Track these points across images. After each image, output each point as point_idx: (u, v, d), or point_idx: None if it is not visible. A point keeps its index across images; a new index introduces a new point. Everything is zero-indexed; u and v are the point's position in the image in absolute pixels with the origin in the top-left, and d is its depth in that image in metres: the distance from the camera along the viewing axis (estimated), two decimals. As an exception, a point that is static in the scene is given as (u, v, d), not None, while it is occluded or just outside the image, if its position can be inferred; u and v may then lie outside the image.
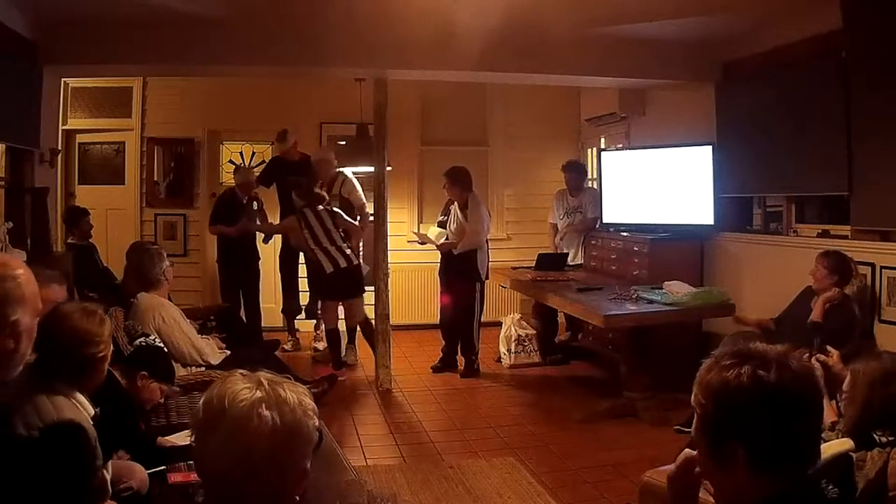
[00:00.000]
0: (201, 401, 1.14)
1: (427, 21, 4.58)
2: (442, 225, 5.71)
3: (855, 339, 3.75)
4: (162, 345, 3.09)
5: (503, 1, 4.32)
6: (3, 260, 1.58)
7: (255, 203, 6.16)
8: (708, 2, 4.48)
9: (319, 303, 6.01)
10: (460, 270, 5.56)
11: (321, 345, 6.15)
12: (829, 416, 2.68)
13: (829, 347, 3.08)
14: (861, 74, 4.15)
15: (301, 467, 1.13)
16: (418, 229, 6.83)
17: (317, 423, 1.15)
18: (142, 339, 3.01)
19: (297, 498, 1.16)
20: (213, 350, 3.81)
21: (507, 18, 4.61)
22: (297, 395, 1.14)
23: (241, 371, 1.16)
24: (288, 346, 6.17)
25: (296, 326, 6.38)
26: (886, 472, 1.97)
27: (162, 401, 2.86)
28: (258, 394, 1.10)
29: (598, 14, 4.69)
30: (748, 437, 1.11)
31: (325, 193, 5.51)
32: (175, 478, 2.47)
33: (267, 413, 1.08)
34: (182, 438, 2.73)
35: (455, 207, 5.60)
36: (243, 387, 1.11)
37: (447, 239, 5.60)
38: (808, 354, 3.18)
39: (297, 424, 1.11)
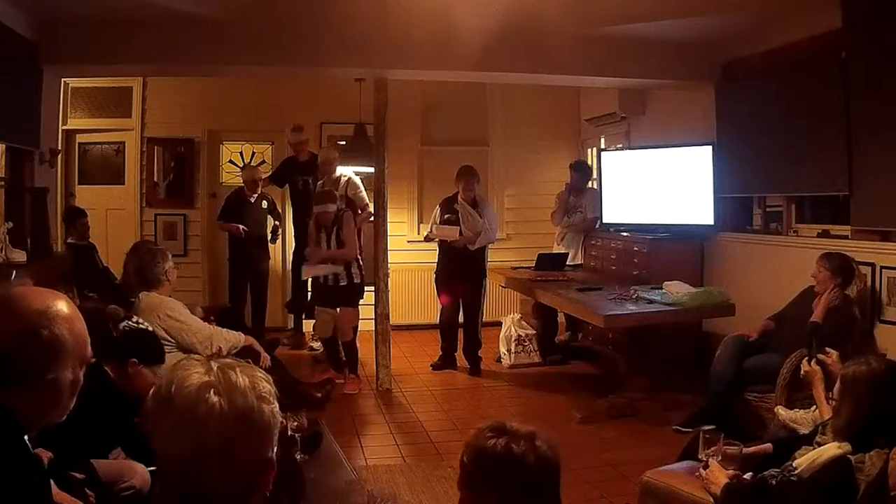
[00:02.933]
0: (153, 388, 1.08)
1: (427, 21, 4.58)
2: (450, 223, 5.66)
3: (854, 339, 3.75)
4: (147, 326, 3.02)
5: (503, 1, 4.32)
6: (42, 304, 1.28)
7: (264, 202, 6.18)
8: (708, 2, 4.48)
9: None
10: (470, 268, 5.59)
11: (318, 343, 6.18)
12: (825, 414, 2.69)
13: (827, 349, 3.09)
14: (861, 74, 4.15)
15: (262, 457, 1.05)
16: (418, 230, 6.83)
17: (276, 408, 1.07)
18: (125, 323, 2.92)
19: (267, 494, 1.09)
20: (224, 337, 3.74)
21: (507, 18, 4.62)
22: (252, 379, 1.06)
23: (196, 357, 1.10)
24: (287, 342, 6.21)
25: (301, 324, 6.43)
26: (886, 472, 1.97)
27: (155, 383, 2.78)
28: (206, 378, 1.03)
29: (598, 14, 4.70)
30: (497, 491, 1.40)
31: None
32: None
33: (215, 398, 1.01)
34: None
35: (465, 205, 5.59)
36: (192, 372, 1.05)
37: (461, 235, 5.59)
38: (806, 357, 3.19)
39: (249, 410, 1.03)
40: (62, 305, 1.30)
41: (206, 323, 3.83)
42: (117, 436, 2.47)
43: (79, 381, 1.34)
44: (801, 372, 3.14)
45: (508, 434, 1.44)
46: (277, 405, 1.08)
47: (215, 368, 1.05)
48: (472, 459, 1.45)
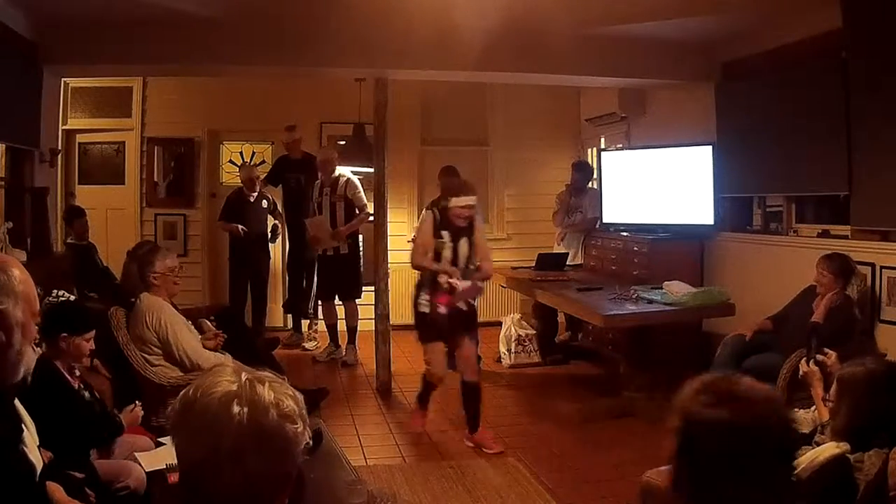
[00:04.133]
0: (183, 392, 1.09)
1: (427, 21, 4.58)
2: None
3: (854, 339, 3.75)
4: (67, 296, 2.98)
5: (503, 1, 4.32)
6: (1, 259, 1.48)
7: (264, 201, 6.19)
8: (708, 2, 4.48)
9: (319, 304, 6.06)
10: None
11: (311, 344, 6.24)
12: (824, 415, 2.69)
13: (826, 350, 3.09)
14: (861, 74, 4.15)
15: (279, 473, 1.04)
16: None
17: (300, 428, 1.06)
18: (45, 300, 2.89)
19: None
20: (209, 358, 3.69)
21: (506, 18, 4.62)
22: (278, 395, 1.05)
23: (230, 366, 1.11)
24: (286, 341, 6.22)
25: (300, 324, 6.44)
26: (886, 472, 1.97)
27: (93, 348, 2.77)
28: (232, 388, 1.03)
29: (598, 14, 4.70)
30: (712, 469, 1.15)
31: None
32: (175, 478, 2.46)
33: (236, 408, 1.01)
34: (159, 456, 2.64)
35: None
36: (221, 379, 1.04)
37: None
38: (804, 357, 3.19)
39: (268, 424, 1.02)
40: (16, 269, 1.43)
41: (201, 344, 3.77)
42: (79, 425, 2.47)
43: (31, 331, 1.42)
44: (800, 373, 3.14)
45: (737, 399, 1.18)
46: (302, 425, 1.06)
47: (244, 380, 1.05)
48: (682, 426, 1.20)
